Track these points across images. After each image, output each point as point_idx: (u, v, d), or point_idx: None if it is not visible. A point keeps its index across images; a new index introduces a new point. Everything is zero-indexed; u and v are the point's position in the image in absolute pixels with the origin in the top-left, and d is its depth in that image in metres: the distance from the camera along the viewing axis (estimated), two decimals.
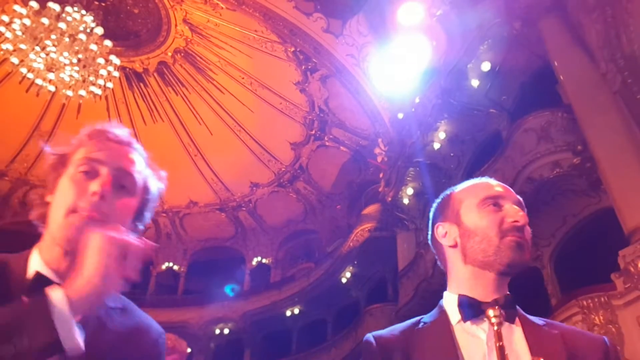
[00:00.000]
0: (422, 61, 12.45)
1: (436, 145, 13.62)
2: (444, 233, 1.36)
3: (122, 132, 1.25)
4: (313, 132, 19.93)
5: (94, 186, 1.11)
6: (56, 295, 0.93)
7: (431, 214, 1.48)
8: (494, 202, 1.29)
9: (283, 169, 22.04)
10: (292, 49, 16.76)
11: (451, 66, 11.97)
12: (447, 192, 1.46)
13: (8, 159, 20.92)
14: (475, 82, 11.94)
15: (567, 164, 9.27)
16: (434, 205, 1.48)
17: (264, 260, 24.75)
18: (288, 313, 21.25)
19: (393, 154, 15.54)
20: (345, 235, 19.32)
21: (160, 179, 1.30)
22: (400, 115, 14.74)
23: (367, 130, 18.17)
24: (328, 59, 16.30)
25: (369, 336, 1.28)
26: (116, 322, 1.14)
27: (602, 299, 7.37)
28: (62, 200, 1.12)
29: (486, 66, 11.48)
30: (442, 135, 13.43)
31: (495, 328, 1.12)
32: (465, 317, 1.20)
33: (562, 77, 9.16)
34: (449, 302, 1.27)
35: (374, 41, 14.71)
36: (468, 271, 1.28)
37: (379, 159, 16.55)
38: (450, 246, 1.34)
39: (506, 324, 1.17)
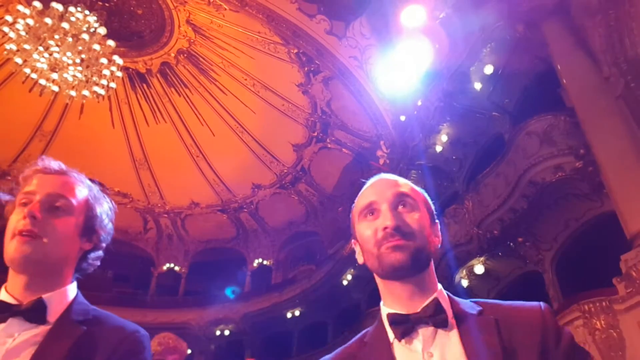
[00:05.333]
0: (425, 64, 12.43)
1: (438, 148, 13.61)
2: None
3: (53, 163, 1.39)
4: (315, 133, 19.94)
5: (24, 211, 1.27)
6: None
7: None
8: (370, 210, 1.25)
9: (285, 171, 22.05)
10: (295, 50, 16.77)
11: (454, 69, 11.96)
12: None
13: (10, 158, 20.95)
14: (478, 85, 11.94)
15: (570, 167, 9.26)
16: None
17: (265, 262, 24.76)
18: (289, 315, 21.25)
19: (395, 156, 15.54)
20: (347, 238, 19.29)
21: (99, 198, 1.43)
22: (403, 118, 14.74)
23: (370, 132, 18.18)
24: (331, 61, 16.31)
25: None
26: (78, 333, 1.24)
27: (604, 304, 7.34)
28: (7, 232, 1.28)
29: (489, 69, 11.48)
30: (444, 138, 13.42)
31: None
32: (400, 336, 1.16)
33: (564, 81, 9.14)
34: (384, 318, 1.22)
35: (376, 43, 14.72)
36: (381, 284, 1.24)
37: (381, 162, 16.54)
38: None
39: (441, 331, 1.14)
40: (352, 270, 18.93)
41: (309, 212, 23.35)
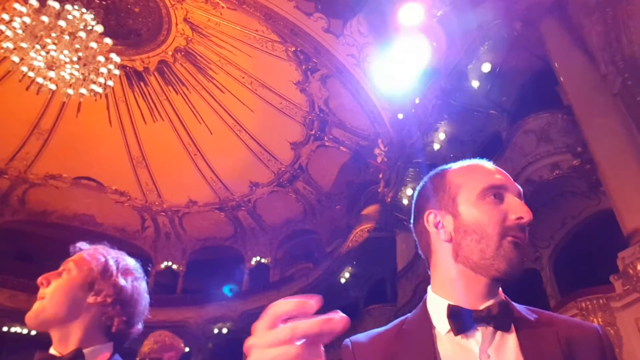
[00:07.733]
0: (423, 62, 12.44)
1: (436, 146, 13.61)
2: (437, 223, 1.16)
3: (83, 246, 1.57)
4: (313, 132, 19.93)
5: None
6: None
7: (417, 193, 1.26)
8: (496, 192, 1.12)
9: (283, 169, 22.04)
10: (293, 48, 16.75)
11: (451, 67, 11.96)
12: (441, 169, 1.25)
13: (7, 157, 20.91)
14: (475, 83, 11.94)
15: (567, 165, 9.27)
16: (424, 182, 1.25)
17: (262, 260, 24.75)
18: None
19: (393, 154, 15.54)
20: (345, 236, 19.31)
21: (108, 259, 1.54)
22: (400, 116, 14.74)
23: (367, 130, 18.17)
24: (328, 59, 16.29)
25: (347, 340, 1.16)
26: None
27: (601, 301, 7.37)
28: None
29: (486, 67, 11.48)
30: (442, 136, 13.43)
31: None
32: (457, 331, 1.06)
33: (562, 79, 9.16)
34: (436, 308, 1.12)
35: (374, 41, 14.71)
36: (458, 271, 1.11)
37: (379, 160, 16.55)
38: (444, 240, 1.14)
39: (499, 333, 1.06)
40: (349, 268, 18.93)
41: (306, 210, 23.35)
